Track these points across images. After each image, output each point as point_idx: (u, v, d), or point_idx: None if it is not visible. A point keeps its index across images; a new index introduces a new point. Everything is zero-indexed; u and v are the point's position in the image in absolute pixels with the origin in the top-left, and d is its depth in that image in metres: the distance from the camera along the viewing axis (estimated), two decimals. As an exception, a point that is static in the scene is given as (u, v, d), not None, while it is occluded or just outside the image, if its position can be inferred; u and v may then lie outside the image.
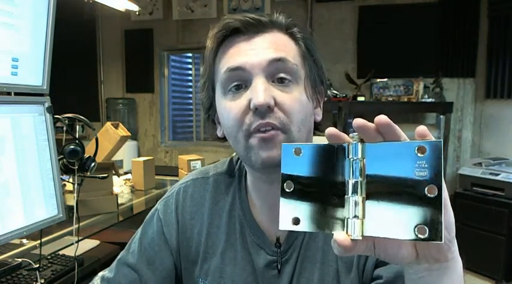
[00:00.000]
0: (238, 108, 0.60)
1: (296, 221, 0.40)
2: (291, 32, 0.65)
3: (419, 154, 0.36)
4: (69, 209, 1.25)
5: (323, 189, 0.40)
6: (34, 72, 1.10)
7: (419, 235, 0.34)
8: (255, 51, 0.60)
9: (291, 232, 0.66)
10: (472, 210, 2.87)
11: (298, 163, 0.41)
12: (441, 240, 0.34)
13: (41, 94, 1.13)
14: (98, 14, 4.40)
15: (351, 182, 0.39)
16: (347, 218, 0.38)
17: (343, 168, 0.39)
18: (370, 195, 0.38)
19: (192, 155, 2.51)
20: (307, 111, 0.63)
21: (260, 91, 0.57)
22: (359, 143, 0.39)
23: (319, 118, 0.70)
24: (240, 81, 0.60)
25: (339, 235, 0.38)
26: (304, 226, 0.40)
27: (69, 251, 1.41)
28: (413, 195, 0.36)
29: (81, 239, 1.49)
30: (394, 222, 0.36)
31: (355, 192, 0.38)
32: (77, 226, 1.28)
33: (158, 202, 0.79)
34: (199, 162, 2.42)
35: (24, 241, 1.51)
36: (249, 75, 0.59)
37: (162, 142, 4.54)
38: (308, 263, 0.65)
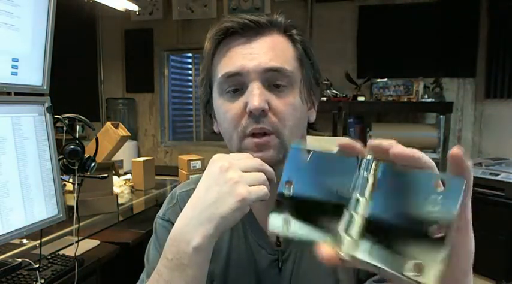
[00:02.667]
0: (235, 109, 0.61)
1: (285, 224, 0.39)
2: (289, 34, 0.65)
3: (436, 188, 0.33)
4: (69, 209, 1.25)
5: (324, 198, 0.38)
6: (34, 72, 1.10)
7: (412, 274, 0.32)
8: (253, 55, 0.61)
9: None
10: (472, 210, 2.85)
11: (303, 167, 0.39)
12: None
13: (41, 94, 1.14)
14: (98, 14, 4.40)
15: (354, 197, 0.36)
16: (340, 233, 0.36)
17: (350, 181, 0.37)
18: (371, 218, 0.35)
19: (192, 155, 2.51)
20: (301, 114, 0.64)
21: (255, 95, 0.59)
22: (373, 160, 0.36)
23: (312, 119, 0.71)
24: (237, 85, 0.62)
25: (323, 249, 0.36)
26: (295, 232, 0.38)
27: (69, 251, 1.41)
28: (419, 230, 0.33)
29: (81, 239, 1.49)
30: (390, 252, 0.34)
31: (356, 208, 0.36)
32: (77, 226, 1.28)
33: (163, 211, 0.76)
34: (199, 162, 2.42)
35: (24, 241, 1.51)
36: (246, 80, 0.61)
37: (162, 142, 4.54)
38: (306, 258, 0.66)
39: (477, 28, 3.40)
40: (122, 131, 2.38)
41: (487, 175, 2.87)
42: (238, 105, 0.61)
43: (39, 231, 1.15)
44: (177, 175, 2.54)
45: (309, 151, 0.39)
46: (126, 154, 3.13)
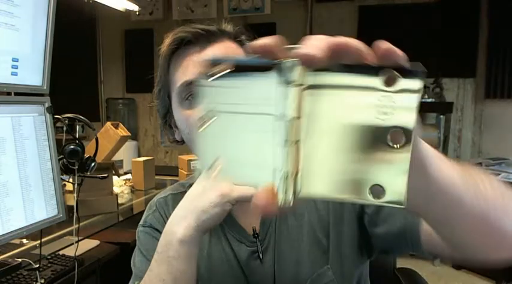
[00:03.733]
0: (195, 115, 0.63)
1: (213, 165, 0.33)
2: (239, 40, 0.69)
3: (384, 87, 0.27)
4: (69, 209, 1.25)
5: (246, 126, 0.31)
6: (34, 72, 1.10)
7: (375, 199, 0.27)
8: None
9: (263, 222, 0.69)
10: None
11: (220, 88, 0.31)
12: (403, 205, 0.27)
13: (41, 95, 1.14)
14: (98, 14, 4.39)
15: (281, 119, 0.29)
16: (275, 171, 0.30)
17: (272, 96, 0.29)
18: (309, 141, 0.28)
19: (192, 155, 2.51)
20: None
21: None
22: (298, 65, 0.28)
23: None
24: (195, 92, 0.63)
25: (260, 199, 0.30)
26: (226, 174, 0.32)
27: (69, 251, 1.41)
28: (371, 144, 0.27)
29: (81, 239, 1.49)
30: (341, 179, 0.28)
31: (288, 135, 0.29)
32: (77, 226, 1.28)
33: (143, 219, 0.77)
34: (199, 162, 2.41)
35: (24, 241, 1.51)
36: None
37: (162, 142, 4.54)
38: (284, 244, 0.68)
39: (477, 28, 3.40)
40: (122, 131, 2.38)
41: (487, 175, 2.88)
42: (198, 110, 0.61)
43: (39, 231, 1.14)
44: (177, 175, 2.54)
45: (224, 61, 0.31)
46: (126, 154, 3.13)
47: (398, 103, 0.27)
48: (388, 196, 0.27)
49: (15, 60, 1.03)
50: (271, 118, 0.30)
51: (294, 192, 0.29)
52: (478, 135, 3.54)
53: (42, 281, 1.20)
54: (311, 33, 3.55)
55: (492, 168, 2.93)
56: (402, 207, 0.27)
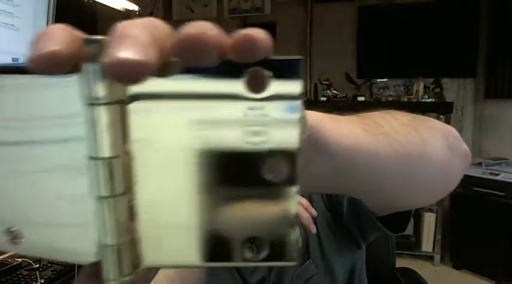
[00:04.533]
0: None
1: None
2: None
3: (250, 94, 0.18)
4: (69, 209, 1.25)
5: (43, 163, 0.19)
6: (34, 72, 1.10)
7: (253, 257, 0.19)
8: None
9: None
10: (472, 210, 2.86)
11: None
12: (294, 262, 0.19)
13: (41, 94, 1.13)
14: (98, 13, 4.39)
15: (93, 160, 0.18)
16: (100, 242, 0.19)
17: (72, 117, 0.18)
18: (147, 186, 0.19)
19: None
20: None
21: None
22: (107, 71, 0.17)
23: None
24: None
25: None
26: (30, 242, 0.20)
27: (69, 251, 1.41)
28: (242, 181, 0.19)
29: (81, 239, 1.49)
30: (202, 236, 0.19)
31: (105, 187, 0.18)
32: (77, 226, 1.28)
33: None
34: None
35: (24, 241, 1.51)
36: None
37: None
38: None
39: (477, 28, 3.40)
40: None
41: (487, 175, 2.87)
42: None
43: (39, 231, 1.14)
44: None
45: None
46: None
47: (273, 116, 0.18)
48: (272, 252, 0.19)
49: (15, 60, 1.03)
50: (80, 152, 0.18)
51: (133, 266, 0.19)
52: (478, 135, 3.53)
53: (42, 281, 1.20)
54: (311, 33, 3.53)
55: (492, 168, 2.93)
56: (293, 264, 0.19)
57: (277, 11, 3.85)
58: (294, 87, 0.18)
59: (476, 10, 3.40)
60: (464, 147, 0.42)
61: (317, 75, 3.54)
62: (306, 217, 0.59)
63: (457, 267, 2.93)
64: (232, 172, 0.19)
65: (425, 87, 3.39)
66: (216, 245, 0.19)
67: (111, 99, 0.18)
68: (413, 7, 3.51)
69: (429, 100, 3.34)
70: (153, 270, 0.22)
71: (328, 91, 3.50)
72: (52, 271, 1.31)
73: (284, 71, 0.18)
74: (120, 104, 0.18)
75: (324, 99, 3.41)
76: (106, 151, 0.18)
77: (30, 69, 0.16)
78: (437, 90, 3.38)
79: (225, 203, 0.19)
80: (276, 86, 0.18)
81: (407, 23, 3.51)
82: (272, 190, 0.19)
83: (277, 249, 0.19)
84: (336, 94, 3.52)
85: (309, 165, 0.26)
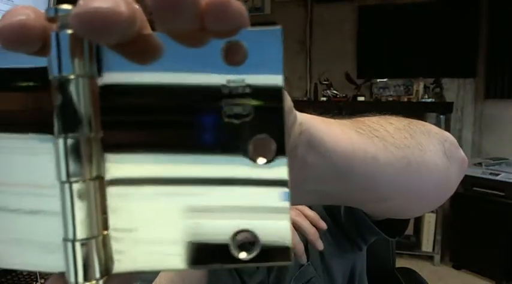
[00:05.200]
0: None
1: None
2: None
3: (229, 64, 0.16)
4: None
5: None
6: (34, 72, 1.10)
7: (245, 255, 0.17)
8: None
9: None
10: (472, 210, 2.85)
11: None
12: (290, 260, 0.17)
13: (41, 94, 1.14)
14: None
15: (59, 141, 0.16)
16: (65, 242, 0.16)
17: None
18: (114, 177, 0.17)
19: None
20: None
21: None
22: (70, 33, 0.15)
23: None
24: None
25: None
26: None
27: (69, 251, 1.41)
28: (221, 163, 0.17)
29: (81, 239, 1.49)
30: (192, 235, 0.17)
31: (73, 175, 0.16)
32: (77, 226, 1.28)
33: None
34: None
35: (24, 241, 1.50)
36: None
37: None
38: None
39: (477, 28, 3.40)
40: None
41: (487, 175, 2.87)
42: None
43: (39, 231, 1.14)
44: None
45: None
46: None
47: (253, 84, 0.16)
48: (265, 250, 0.16)
49: (15, 60, 1.03)
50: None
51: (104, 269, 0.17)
52: (478, 135, 3.53)
53: (42, 281, 1.20)
54: (311, 33, 3.52)
55: (492, 168, 2.93)
56: (289, 262, 0.17)
57: (277, 10, 3.85)
58: (275, 55, 0.16)
59: (476, 10, 3.39)
60: (461, 153, 0.41)
61: (317, 75, 3.54)
62: (312, 233, 0.56)
63: (457, 267, 2.93)
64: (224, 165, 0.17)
65: (425, 87, 3.39)
66: (201, 245, 0.17)
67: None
68: (413, 7, 3.51)
69: (429, 100, 3.34)
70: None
71: (328, 91, 3.50)
72: (52, 271, 1.31)
73: (264, 42, 0.16)
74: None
75: (324, 99, 3.41)
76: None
77: (0, 43, 0.15)
78: (437, 90, 3.38)
79: (208, 195, 0.17)
80: (256, 55, 0.16)
81: (407, 23, 3.51)
82: (259, 174, 0.16)
83: (270, 244, 0.16)
84: (336, 94, 3.52)
85: (306, 167, 0.25)
